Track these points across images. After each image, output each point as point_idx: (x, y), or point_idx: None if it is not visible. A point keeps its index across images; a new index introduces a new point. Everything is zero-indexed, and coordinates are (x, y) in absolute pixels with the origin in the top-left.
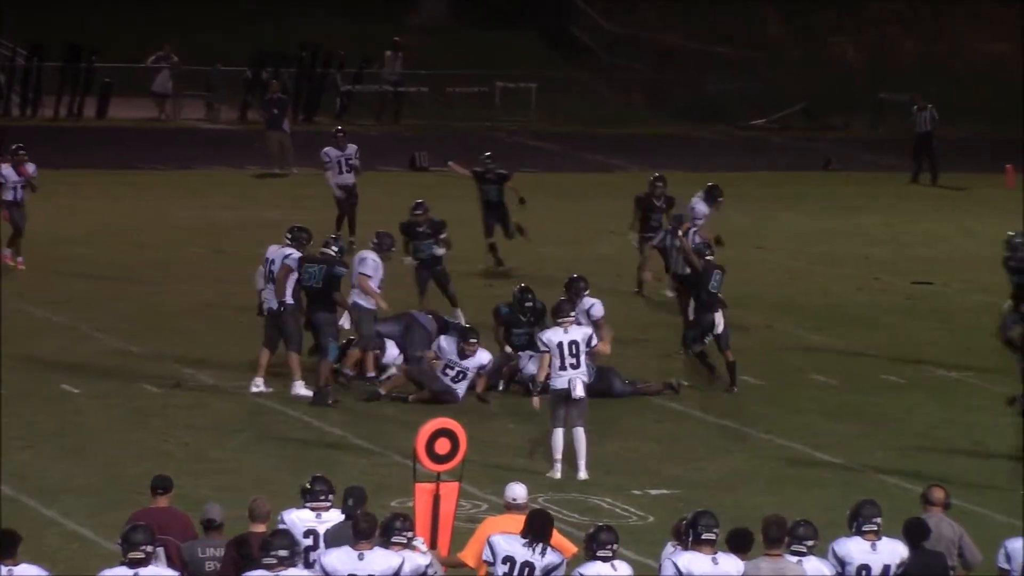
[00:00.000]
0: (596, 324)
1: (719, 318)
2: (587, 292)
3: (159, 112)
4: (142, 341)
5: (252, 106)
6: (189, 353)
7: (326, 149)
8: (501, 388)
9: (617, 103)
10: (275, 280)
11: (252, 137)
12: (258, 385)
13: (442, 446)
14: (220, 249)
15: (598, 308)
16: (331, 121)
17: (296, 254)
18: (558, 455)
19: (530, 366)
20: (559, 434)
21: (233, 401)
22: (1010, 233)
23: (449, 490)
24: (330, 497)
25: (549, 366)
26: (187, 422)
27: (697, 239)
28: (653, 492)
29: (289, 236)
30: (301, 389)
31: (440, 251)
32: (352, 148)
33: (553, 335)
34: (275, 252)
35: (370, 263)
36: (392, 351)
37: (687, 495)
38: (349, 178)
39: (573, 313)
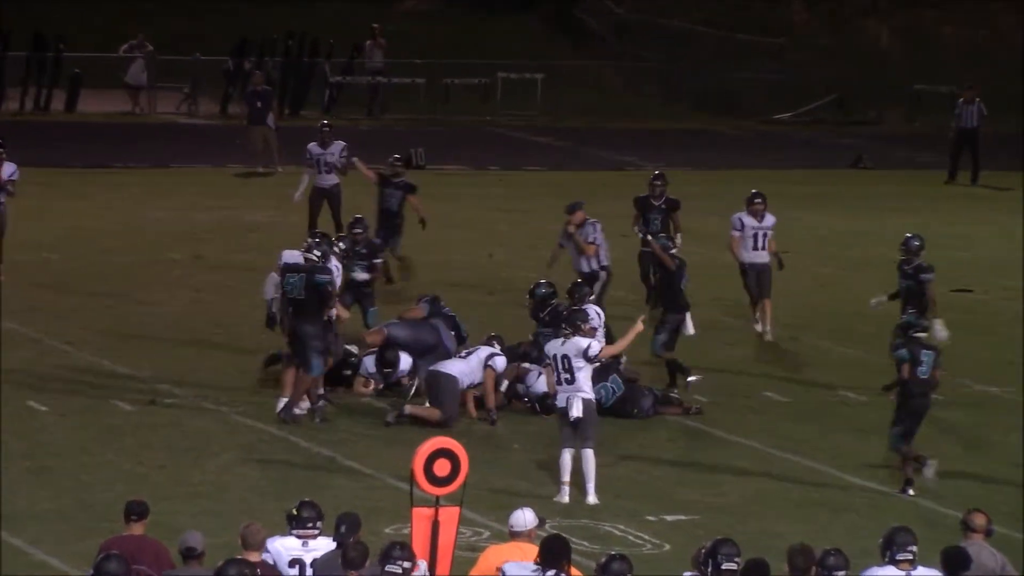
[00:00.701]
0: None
1: (689, 319)
2: (592, 298)
3: (133, 105)
4: (114, 354)
5: (234, 99)
6: (165, 368)
7: (309, 145)
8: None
9: (628, 95)
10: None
11: (234, 132)
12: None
13: (441, 467)
14: (199, 255)
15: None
16: (319, 115)
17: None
18: (566, 477)
19: (538, 384)
20: (567, 455)
21: (213, 420)
22: (908, 235)
23: (449, 516)
24: (318, 524)
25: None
26: (163, 442)
27: (596, 237)
28: (669, 518)
29: (309, 242)
30: (296, 409)
31: (363, 276)
32: (337, 146)
33: (551, 346)
34: (292, 259)
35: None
36: (407, 360)
37: (706, 521)
38: (330, 179)
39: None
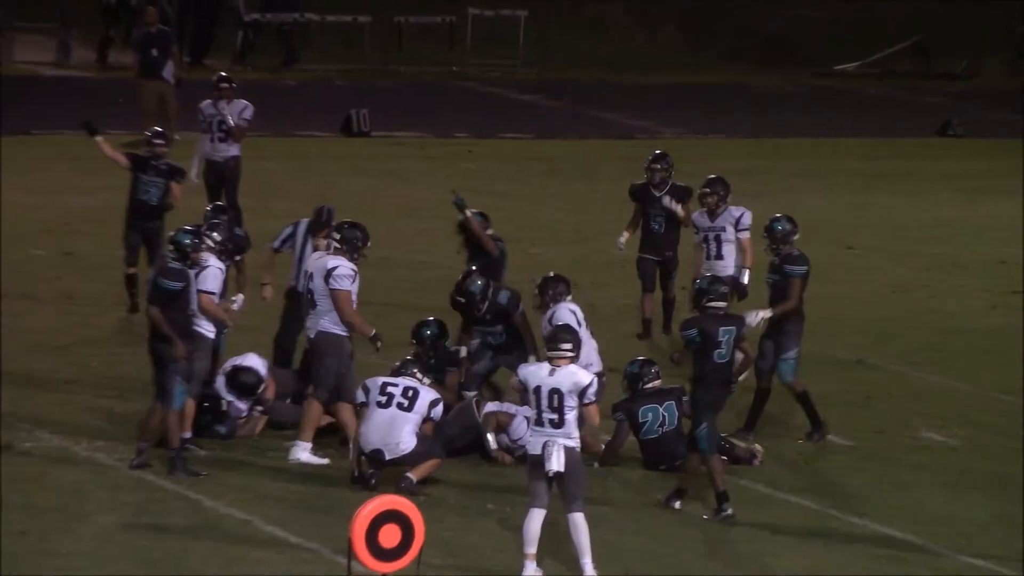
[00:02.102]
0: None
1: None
2: (569, 299)
3: None
4: None
5: (117, 44)
6: (25, 401)
7: (202, 104)
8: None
9: (642, 40)
10: (337, 305)
11: (118, 88)
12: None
13: (389, 536)
14: (70, 251)
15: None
16: (230, 66)
17: (347, 266)
18: (531, 548)
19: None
20: (534, 517)
21: (88, 471)
22: (775, 216)
23: None
24: None
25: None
26: (23, 501)
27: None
28: None
29: (337, 237)
30: (303, 453)
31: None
32: (238, 106)
33: (533, 374)
34: (314, 263)
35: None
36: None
37: None
38: (225, 149)
39: (567, 346)
